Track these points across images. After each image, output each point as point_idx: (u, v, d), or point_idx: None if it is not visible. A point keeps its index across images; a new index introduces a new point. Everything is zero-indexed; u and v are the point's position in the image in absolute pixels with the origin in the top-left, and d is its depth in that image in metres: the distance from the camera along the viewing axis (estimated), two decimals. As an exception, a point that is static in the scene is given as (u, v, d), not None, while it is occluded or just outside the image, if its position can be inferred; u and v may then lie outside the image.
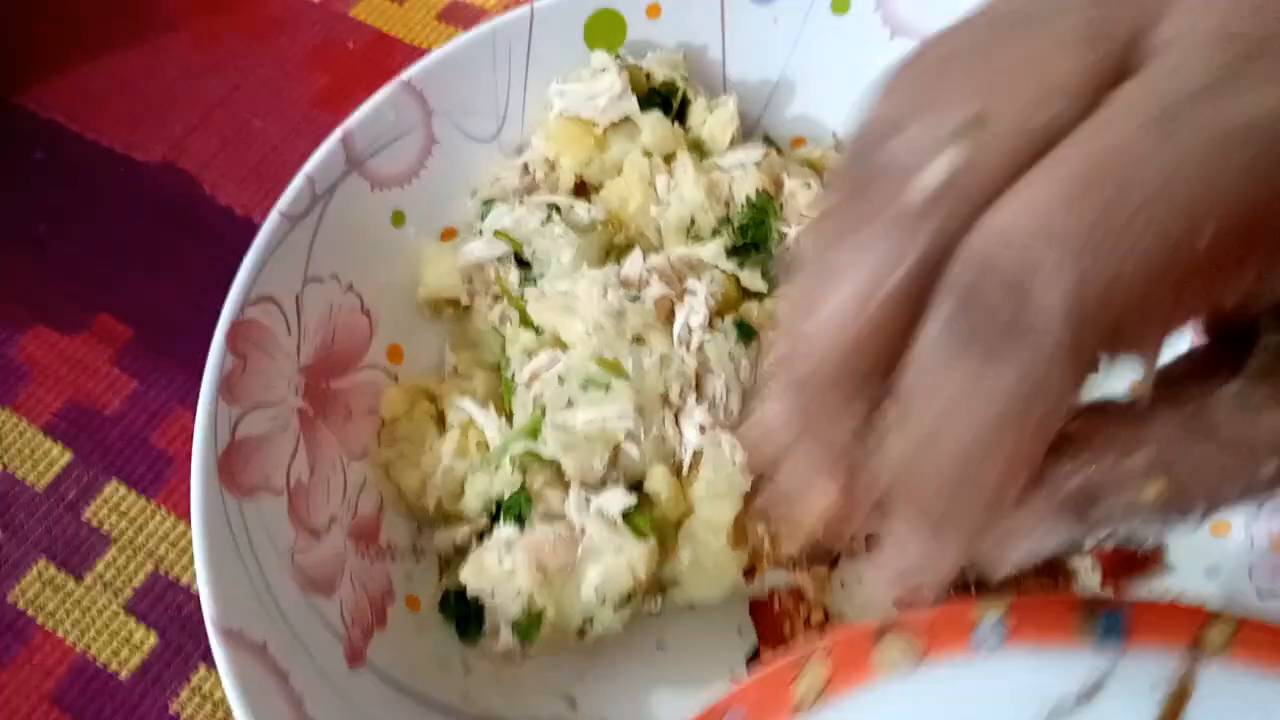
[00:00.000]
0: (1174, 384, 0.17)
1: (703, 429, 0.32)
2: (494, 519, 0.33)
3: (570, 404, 0.32)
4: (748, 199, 0.36)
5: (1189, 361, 0.18)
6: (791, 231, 0.36)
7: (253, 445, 0.30)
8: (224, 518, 0.28)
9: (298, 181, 0.33)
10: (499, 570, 0.31)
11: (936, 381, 0.15)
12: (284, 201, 0.33)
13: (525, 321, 0.34)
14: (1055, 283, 0.14)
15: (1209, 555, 0.33)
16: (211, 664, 0.36)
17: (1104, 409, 0.17)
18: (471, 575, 0.31)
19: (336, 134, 0.35)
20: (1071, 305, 0.14)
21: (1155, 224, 0.14)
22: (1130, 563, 0.31)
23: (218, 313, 0.40)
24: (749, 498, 0.32)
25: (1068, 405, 0.15)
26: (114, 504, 0.38)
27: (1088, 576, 0.31)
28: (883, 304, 0.15)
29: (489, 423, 0.33)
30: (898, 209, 0.15)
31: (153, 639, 0.36)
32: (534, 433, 0.32)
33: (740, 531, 0.32)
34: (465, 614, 0.33)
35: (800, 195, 0.37)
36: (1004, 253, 0.14)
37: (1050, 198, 0.15)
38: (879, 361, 0.16)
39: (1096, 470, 0.16)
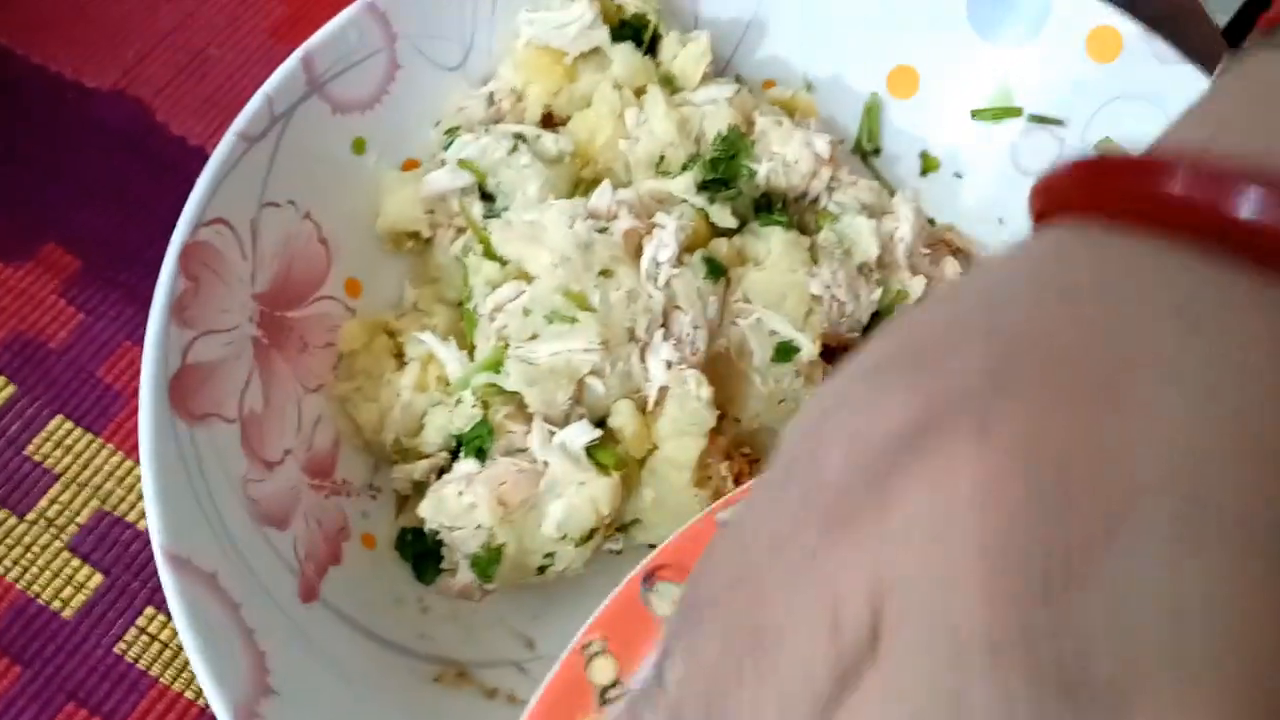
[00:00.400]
0: None
1: (669, 365, 0.32)
2: (454, 455, 0.32)
3: (534, 337, 0.32)
4: (719, 134, 0.36)
5: None
6: (761, 168, 0.36)
7: (205, 371, 0.29)
8: (174, 443, 0.28)
9: (255, 101, 0.33)
10: (459, 504, 0.30)
11: None
12: (240, 121, 0.32)
13: (489, 253, 0.33)
14: None
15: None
16: (159, 604, 0.36)
17: None
18: (430, 510, 0.31)
19: (297, 54, 0.34)
20: None
21: None
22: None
23: (166, 242, 0.40)
24: (714, 435, 0.32)
25: None
26: (59, 439, 0.37)
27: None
28: None
29: (450, 356, 0.33)
30: None
31: (97, 578, 0.35)
32: (496, 365, 0.31)
33: (704, 470, 0.32)
34: (423, 553, 0.33)
35: (771, 133, 0.37)
36: None
37: None
38: None
39: None
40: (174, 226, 0.39)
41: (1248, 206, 0.16)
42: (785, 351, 0.34)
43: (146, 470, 0.27)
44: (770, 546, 0.17)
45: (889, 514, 0.15)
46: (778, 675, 0.16)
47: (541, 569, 0.31)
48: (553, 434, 0.31)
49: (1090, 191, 0.18)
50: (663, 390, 0.32)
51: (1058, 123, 0.41)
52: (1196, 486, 0.15)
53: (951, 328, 0.17)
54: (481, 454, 0.31)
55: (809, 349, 0.34)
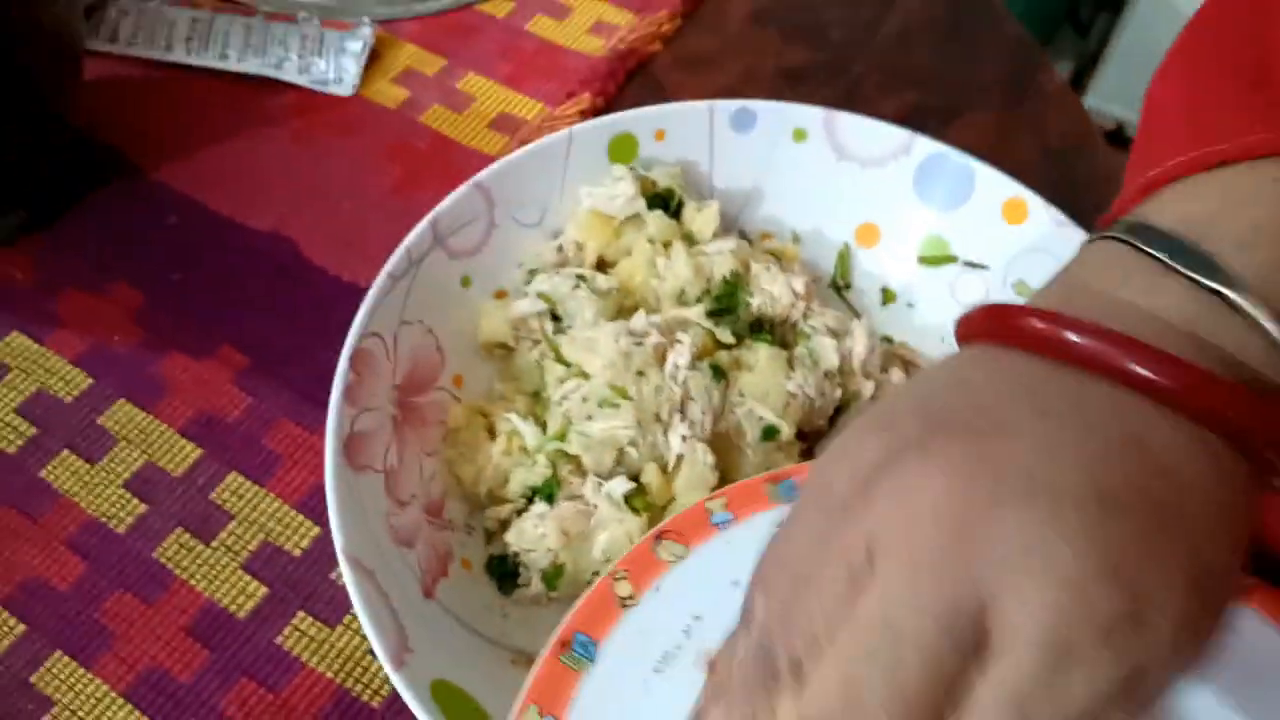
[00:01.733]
0: None
1: (684, 439, 0.43)
2: (530, 500, 0.44)
3: (590, 417, 0.43)
4: (724, 277, 0.48)
5: None
6: (755, 301, 0.48)
7: (363, 437, 0.42)
8: (346, 483, 0.40)
9: (399, 252, 0.45)
10: (534, 534, 0.42)
11: None
12: (389, 266, 0.45)
13: (559, 358, 0.45)
14: None
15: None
16: (309, 610, 0.46)
17: None
18: (514, 537, 0.42)
19: (428, 218, 0.46)
20: None
21: None
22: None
23: (314, 345, 0.52)
24: (715, 489, 0.44)
25: None
26: (234, 489, 0.48)
27: None
28: None
29: (528, 430, 0.44)
30: None
31: (263, 590, 0.45)
32: (562, 436, 0.43)
33: (709, 517, 0.44)
34: (505, 573, 0.44)
35: (763, 275, 0.49)
36: None
37: None
38: None
39: None
40: (316, 332, 0.52)
41: (1077, 337, 0.25)
42: (769, 432, 0.44)
43: (331, 501, 0.38)
44: (803, 532, 0.25)
45: (873, 502, 0.24)
46: (820, 594, 0.23)
47: (589, 582, 0.43)
48: (601, 485, 0.41)
49: (987, 326, 0.27)
50: (679, 457, 0.42)
51: (984, 267, 0.51)
52: (1033, 478, 0.23)
53: (902, 408, 0.26)
54: (550, 498, 0.42)
55: (787, 431, 0.44)
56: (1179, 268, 0.26)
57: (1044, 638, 0.22)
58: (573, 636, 0.32)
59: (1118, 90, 1.84)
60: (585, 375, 0.44)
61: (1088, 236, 0.31)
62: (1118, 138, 1.88)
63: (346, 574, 0.37)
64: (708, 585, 0.32)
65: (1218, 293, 0.26)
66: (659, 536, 0.34)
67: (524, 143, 0.59)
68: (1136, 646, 0.22)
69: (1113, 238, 0.28)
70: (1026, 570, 0.22)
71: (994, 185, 0.52)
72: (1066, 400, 0.25)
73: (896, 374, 0.49)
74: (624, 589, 0.33)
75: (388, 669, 0.36)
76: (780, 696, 0.23)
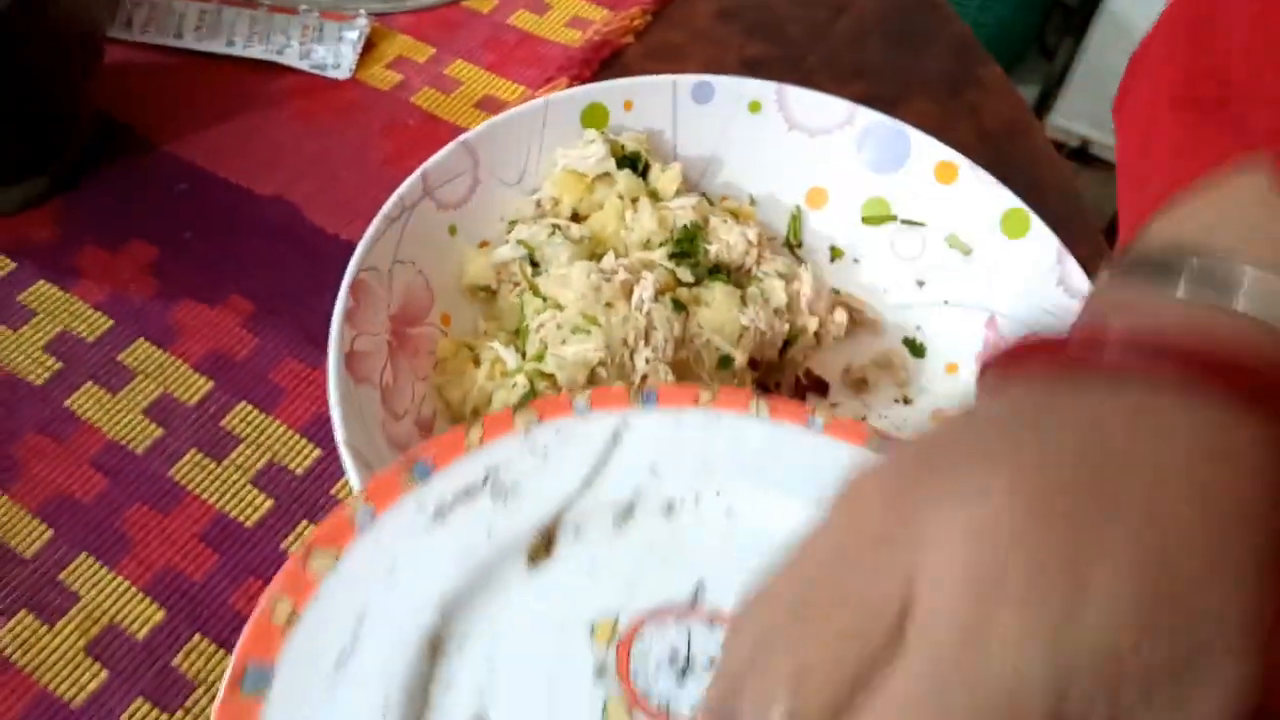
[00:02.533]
0: None
1: (648, 361, 0.49)
2: (510, 416, 0.50)
3: (564, 342, 0.48)
4: (684, 226, 0.54)
5: None
6: (713, 248, 0.54)
7: (361, 354, 0.47)
8: (348, 390, 0.45)
9: (393, 198, 0.51)
10: (514, 441, 0.48)
11: None
12: (385, 209, 0.50)
13: (536, 293, 0.51)
14: None
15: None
16: (311, 519, 0.52)
17: None
18: (496, 445, 0.48)
19: (419, 171, 0.52)
20: None
21: None
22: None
23: (314, 293, 0.57)
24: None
25: None
26: (243, 416, 0.53)
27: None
28: None
29: (509, 355, 0.50)
30: None
31: (270, 503, 0.50)
32: (540, 358, 0.49)
33: (670, 432, 0.49)
34: None
35: (720, 228, 0.55)
36: None
37: None
38: None
39: None
40: (317, 284, 0.58)
41: (1110, 357, 0.24)
42: (725, 361, 0.50)
43: (333, 399, 0.44)
44: (827, 553, 0.24)
45: (904, 525, 0.23)
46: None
47: (564, 488, 0.48)
48: None
49: (1006, 363, 0.27)
50: (644, 377, 0.47)
51: (920, 224, 0.57)
52: (1021, 485, 0.22)
53: (922, 444, 0.26)
54: None
55: (740, 360, 0.50)
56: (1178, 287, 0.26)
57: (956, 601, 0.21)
58: (244, 669, 0.31)
59: (1082, 109, 1.93)
60: (560, 307, 0.50)
61: (1096, 285, 0.31)
62: (1082, 154, 1.96)
63: (346, 461, 0.42)
64: (363, 582, 0.34)
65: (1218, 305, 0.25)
66: (309, 550, 0.34)
67: (506, 119, 0.65)
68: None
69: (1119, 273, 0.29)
70: (943, 563, 0.22)
71: (927, 150, 0.58)
72: (1056, 415, 0.24)
73: (839, 314, 0.55)
74: (284, 609, 0.33)
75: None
76: None
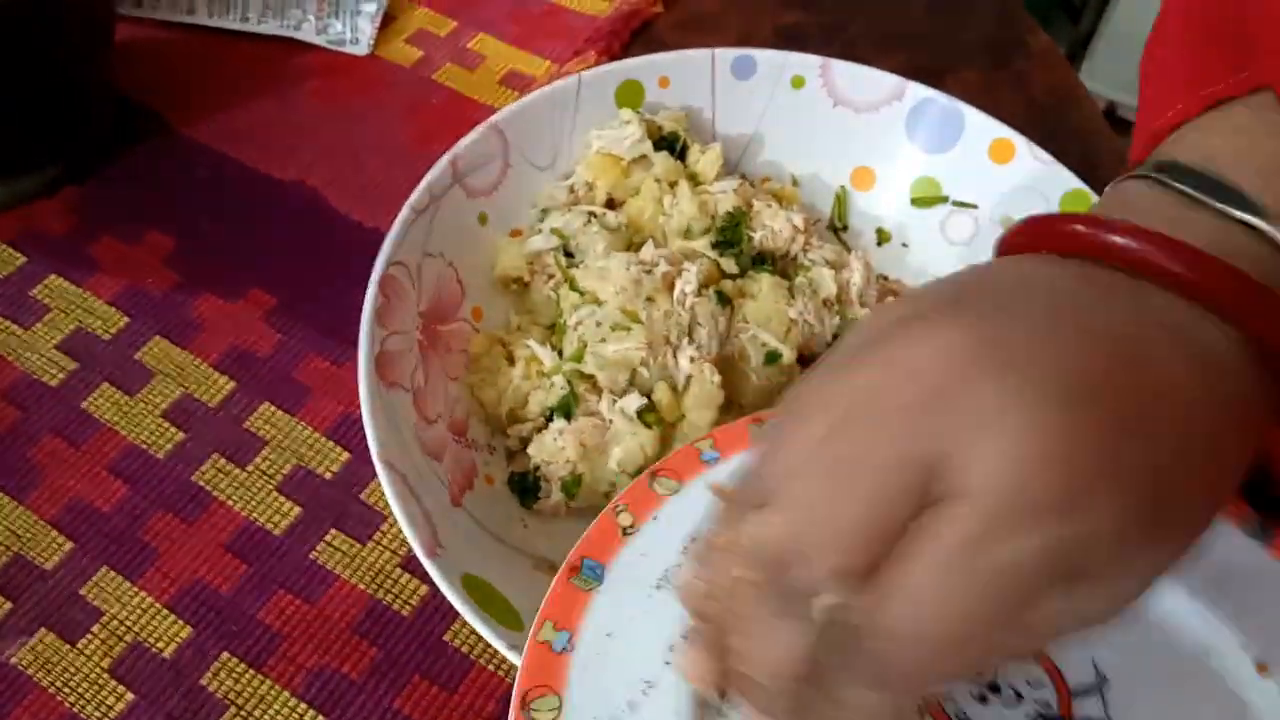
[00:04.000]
0: None
1: (692, 360, 0.46)
2: (549, 419, 0.47)
3: (603, 340, 0.45)
4: (727, 212, 0.51)
5: None
6: (757, 235, 0.51)
7: (392, 356, 0.45)
8: (379, 396, 0.42)
9: (421, 187, 0.48)
10: (554, 447, 0.45)
11: (845, 693, 0.24)
12: (412, 199, 0.47)
13: (573, 286, 0.48)
14: (916, 654, 0.23)
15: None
16: (340, 527, 0.49)
17: None
18: (535, 450, 0.45)
19: (447, 156, 0.49)
20: (921, 662, 0.23)
21: (949, 635, 0.23)
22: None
23: (339, 285, 0.55)
24: (721, 412, 0.47)
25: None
26: (267, 417, 0.50)
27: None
28: (802, 662, 0.24)
29: (545, 354, 0.47)
30: (803, 621, 0.24)
31: (297, 510, 0.48)
32: (579, 358, 0.46)
33: (716, 433, 0.47)
34: (525, 489, 0.47)
35: (764, 212, 0.52)
36: (879, 632, 0.23)
37: (902, 609, 0.23)
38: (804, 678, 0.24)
39: None
40: (342, 274, 0.55)
41: (1116, 237, 0.26)
42: (772, 356, 0.47)
43: (366, 409, 0.41)
44: (804, 383, 0.26)
45: (865, 361, 0.25)
46: (795, 436, 0.25)
47: (606, 495, 0.46)
48: (615, 402, 0.44)
49: (1029, 235, 0.29)
50: (688, 377, 0.45)
51: (973, 206, 0.54)
52: (1014, 355, 0.23)
53: (926, 290, 0.28)
54: (568, 415, 0.45)
55: (789, 355, 0.47)
56: (1208, 200, 0.27)
57: (983, 501, 0.22)
58: (581, 561, 0.34)
59: (1109, 72, 1.87)
60: (599, 302, 0.47)
61: (1112, 182, 0.31)
62: (1109, 117, 1.91)
63: (382, 474, 0.40)
64: (700, 513, 0.34)
65: (1245, 223, 0.27)
66: (654, 474, 0.36)
67: (533, 96, 0.62)
68: (1066, 534, 0.22)
69: (1138, 177, 0.29)
70: (983, 435, 0.22)
71: (982, 128, 0.55)
72: (1082, 296, 0.25)
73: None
74: (625, 520, 0.35)
75: (421, 557, 0.38)
76: (744, 522, 0.25)
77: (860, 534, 0.23)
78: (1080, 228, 0.27)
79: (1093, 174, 0.54)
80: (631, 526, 0.35)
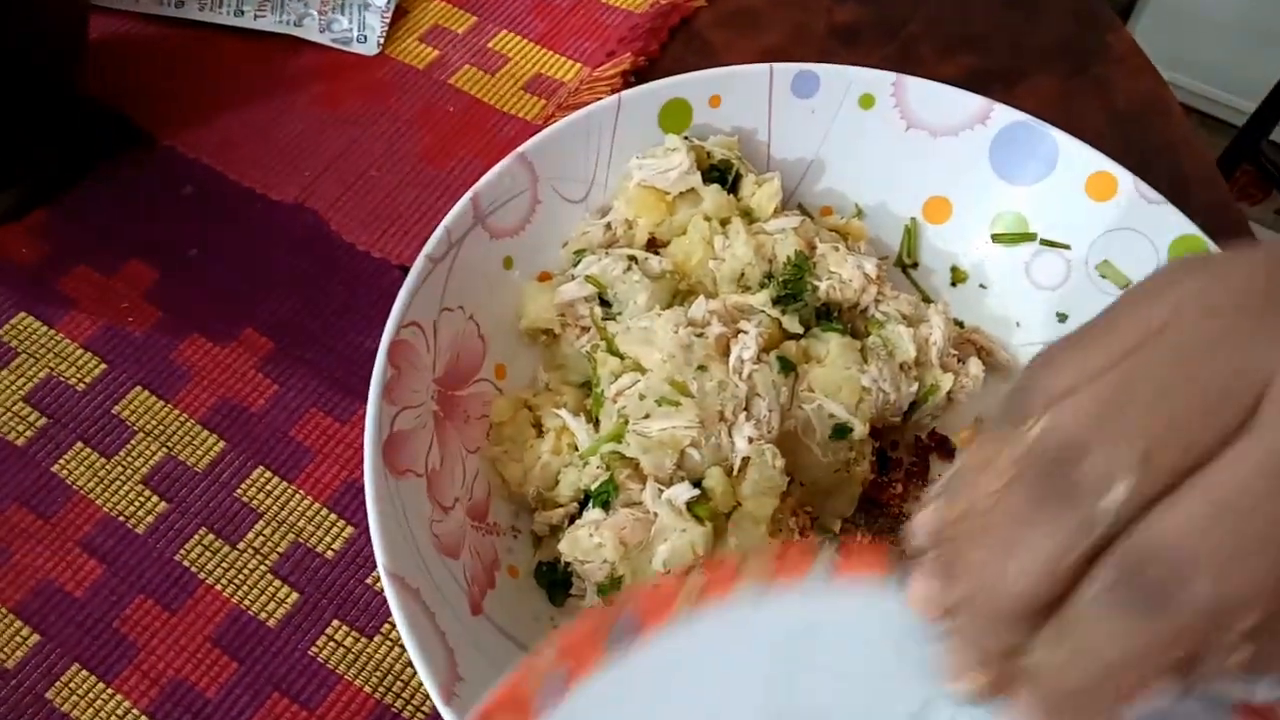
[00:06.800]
0: None
1: (750, 440, 0.40)
2: (582, 505, 0.41)
3: (648, 416, 0.40)
4: (788, 258, 0.45)
5: None
6: (822, 285, 0.44)
7: (404, 437, 0.38)
8: (387, 492, 0.36)
9: (439, 232, 0.42)
10: (589, 543, 0.39)
11: (1095, 621, 0.22)
12: (428, 247, 0.41)
13: (612, 350, 0.42)
14: (1205, 579, 0.21)
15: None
16: (344, 618, 0.43)
17: None
18: (568, 547, 0.39)
19: (468, 195, 0.43)
20: (1217, 596, 0.21)
21: (1264, 555, 0.21)
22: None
23: (343, 328, 0.49)
24: (784, 496, 0.41)
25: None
26: (261, 485, 0.45)
27: None
28: (1064, 571, 0.22)
29: (579, 428, 0.41)
30: (1085, 515, 0.22)
31: (295, 596, 0.42)
32: (619, 437, 0.40)
33: (776, 523, 0.40)
34: (554, 581, 0.41)
35: (830, 257, 0.45)
36: (1167, 551, 0.21)
37: (1197, 520, 0.21)
38: (1045, 606, 0.22)
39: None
40: (347, 315, 0.49)
41: None
42: (841, 431, 0.42)
43: (372, 513, 0.35)
44: (1097, 324, 0.24)
45: (1176, 284, 0.24)
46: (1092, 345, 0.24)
47: (649, 596, 0.40)
48: (661, 491, 0.39)
49: None
50: (745, 459, 0.39)
51: (1065, 246, 0.48)
52: None
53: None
54: (606, 505, 0.39)
55: (860, 429, 0.41)
56: None
57: None
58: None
59: (1147, 51, 1.78)
60: (641, 369, 0.41)
61: None
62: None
63: (391, 595, 0.34)
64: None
65: None
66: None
67: (562, 106, 0.56)
68: None
69: None
70: None
71: (1079, 158, 0.48)
72: None
73: (975, 365, 0.46)
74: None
75: (439, 704, 0.32)
76: (1019, 430, 0.23)
77: (1179, 433, 0.22)
78: None
79: (1184, 197, 0.48)
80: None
